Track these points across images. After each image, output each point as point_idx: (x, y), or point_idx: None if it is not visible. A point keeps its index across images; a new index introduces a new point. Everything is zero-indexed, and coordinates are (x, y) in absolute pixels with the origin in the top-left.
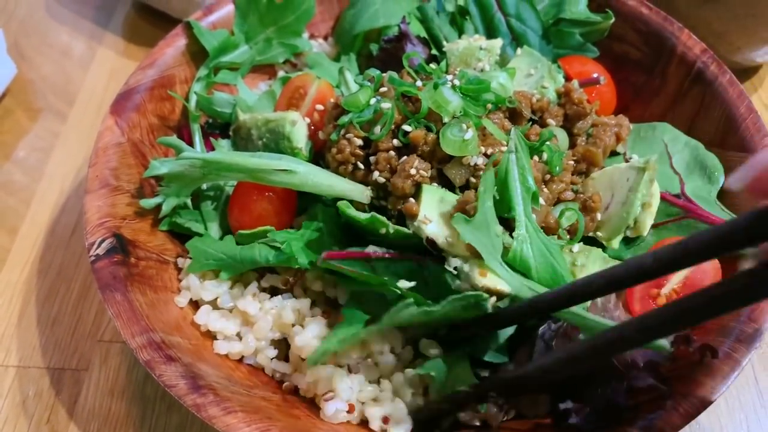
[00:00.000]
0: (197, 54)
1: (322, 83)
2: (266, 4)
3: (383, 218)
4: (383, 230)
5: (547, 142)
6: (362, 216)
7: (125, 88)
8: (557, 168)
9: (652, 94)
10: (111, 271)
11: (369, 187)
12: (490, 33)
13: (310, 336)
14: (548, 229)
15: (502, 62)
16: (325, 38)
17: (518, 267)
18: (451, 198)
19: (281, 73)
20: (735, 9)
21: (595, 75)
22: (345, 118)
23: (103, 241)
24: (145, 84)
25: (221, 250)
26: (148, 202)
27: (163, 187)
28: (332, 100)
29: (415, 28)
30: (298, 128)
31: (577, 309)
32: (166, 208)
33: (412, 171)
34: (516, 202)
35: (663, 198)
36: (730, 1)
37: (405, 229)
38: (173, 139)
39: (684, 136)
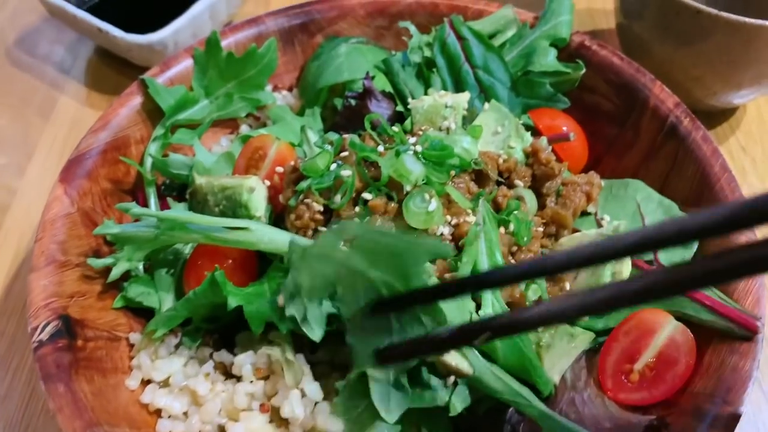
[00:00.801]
0: (154, 112)
1: (281, 144)
2: (226, 59)
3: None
4: None
5: (515, 212)
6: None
7: (75, 154)
8: (525, 239)
9: (625, 147)
10: (55, 359)
11: None
12: (458, 85)
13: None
14: (514, 304)
15: (470, 116)
16: (290, 89)
17: (484, 348)
18: None
19: (244, 128)
20: (709, 54)
21: (564, 129)
22: (303, 184)
23: (47, 324)
24: (97, 148)
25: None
26: (97, 262)
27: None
28: (291, 164)
29: (380, 83)
30: (256, 195)
31: (540, 405)
32: (115, 272)
33: None
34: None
35: (635, 264)
36: (704, 47)
37: None
38: (132, 204)
39: (657, 194)
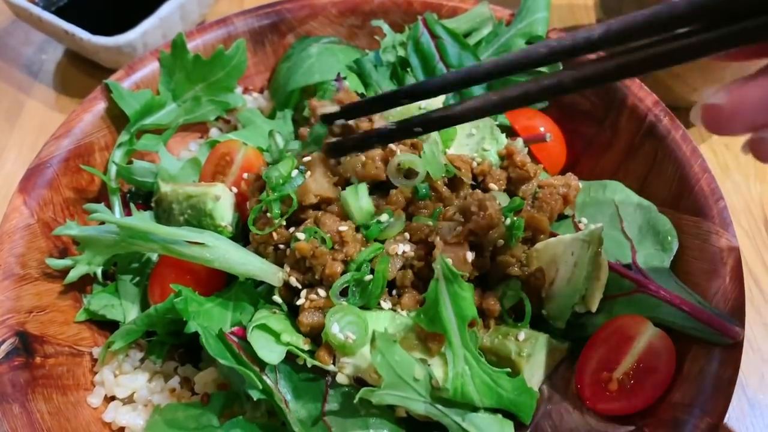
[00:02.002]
0: (119, 117)
1: (249, 150)
2: (193, 61)
3: (298, 350)
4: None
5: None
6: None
7: (36, 162)
8: (513, 240)
9: (604, 147)
10: (10, 378)
11: (283, 269)
12: None
13: None
14: (490, 312)
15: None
16: (261, 91)
17: (460, 401)
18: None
19: (213, 131)
20: None
21: (542, 129)
22: (265, 194)
23: (2, 342)
24: (58, 156)
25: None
26: (56, 263)
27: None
28: (255, 172)
29: (353, 84)
30: (221, 204)
31: None
32: (73, 274)
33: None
34: (451, 334)
35: (613, 269)
36: None
37: (325, 366)
38: (99, 206)
39: (636, 196)
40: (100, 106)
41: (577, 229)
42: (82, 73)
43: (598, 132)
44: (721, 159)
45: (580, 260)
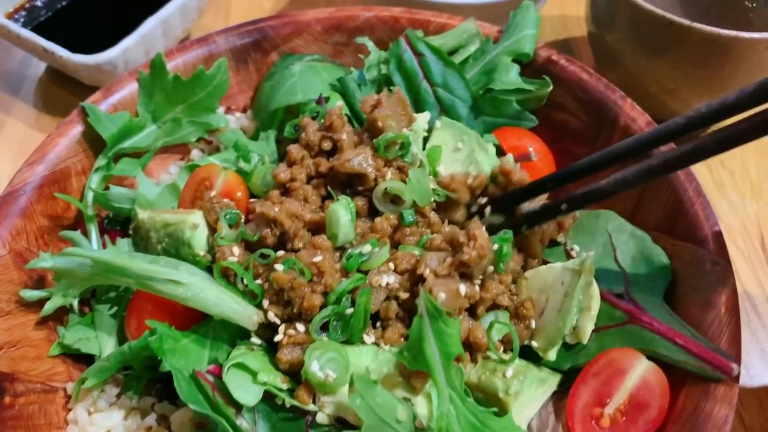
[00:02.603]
0: (96, 140)
1: (229, 175)
2: (173, 82)
3: (276, 390)
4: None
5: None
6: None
7: (8, 190)
8: (501, 265)
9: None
10: None
11: (259, 311)
12: (417, 104)
13: None
14: (477, 345)
15: (430, 132)
16: (244, 110)
17: None
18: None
19: (195, 153)
20: (684, 67)
21: (530, 149)
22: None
23: None
24: (32, 183)
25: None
26: (30, 294)
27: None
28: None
29: (335, 104)
30: (199, 232)
31: None
32: (48, 307)
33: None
34: (436, 372)
35: (605, 299)
36: (678, 59)
37: (306, 406)
38: (76, 233)
39: (629, 225)
40: (77, 129)
41: (569, 256)
42: (63, 90)
43: (589, 153)
44: (716, 176)
45: (571, 290)
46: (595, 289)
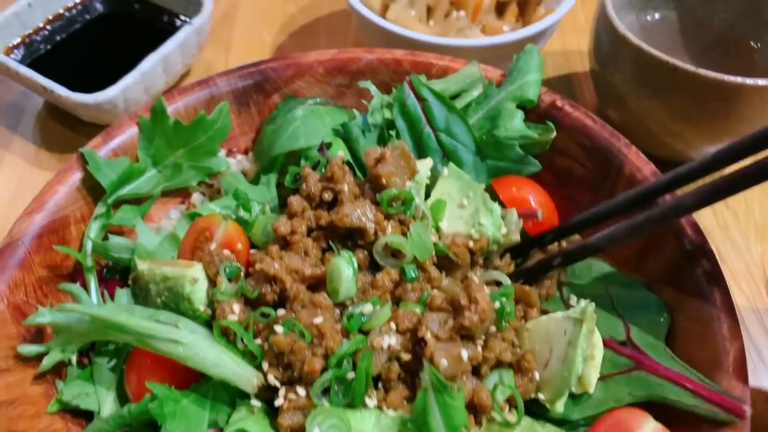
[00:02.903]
0: (96, 186)
1: (230, 225)
2: (173, 126)
3: None
4: None
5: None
6: None
7: (7, 241)
8: (503, 323)
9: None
10: None
11: (258, 373)
12: (420, 149)
13: None
14: (482, 408)
15: (433, 181)
16: (246, 152)
17: None
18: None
19: (196, 197)
20: (688, 111)
21: (531, 200)
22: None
23: None
24: (31, 232)
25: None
26: (28, 349)
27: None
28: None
29: (338, 151)
30: (199, 286)
31: None
32: (47, 362)
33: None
34: None
35: (608, 346)
36: (682, 103)
37: None
38: (75, 286)
39: (623, 276)
40: (76, 176)
41: (567, 306)
42: (62, 126)
43: (593, 200)
44: (720, 219)
45: (573, 339)
46: (598, 337)
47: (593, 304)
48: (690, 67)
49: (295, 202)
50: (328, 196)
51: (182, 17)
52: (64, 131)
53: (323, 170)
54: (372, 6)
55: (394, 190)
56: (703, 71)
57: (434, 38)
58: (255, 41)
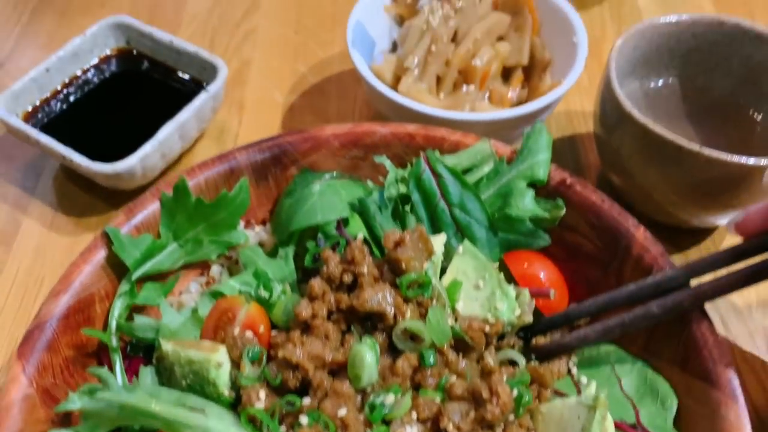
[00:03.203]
0: (119, 264)
1: (251, 307)
2: (195, 204)
3: None
4: None
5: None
6: None
7: (35, 324)
8: (521, 410)
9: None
10: None
11: None
12: (434, 223)
13: None
14: None
15: (447, 255)
16: (264, 222)
17: None
18: None
19: (215, 269)
20: (691, 186)
21: (542, 277)
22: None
23: None
24: (58, 314)
25: None
26: None
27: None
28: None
29: (355, 227)
30: (224, 370)
31: None
32: None
33: None
34: None
35: (620, 428)
36: (686, 178)
37: None
38: (103, 371)
39: (630, 357)
40: (100, 255)
41: (576, 386)
42: (79, 189)
43: (602, 277)
44: None
45: (587, 424)
46: (610, 422)
47: (605, 390)
48: (695, 147)
49: (316, 285)
50: (348, 278)
51: (195, 77)
52: (80, 194)
53: (342, 251)
54: (383, 77)
55: (413, 275)
56: (707, 151)
57: (445, 112)
58: (267, 101)
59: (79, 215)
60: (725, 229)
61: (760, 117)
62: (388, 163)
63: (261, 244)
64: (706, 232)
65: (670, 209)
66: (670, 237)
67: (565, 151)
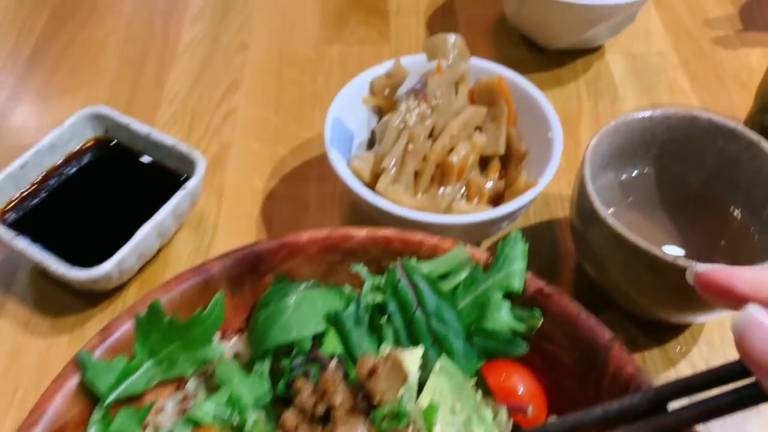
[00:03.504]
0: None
1: None
2: (168, 324)
3: None
4: None
5: None
6: None
7: None
8: None
9: (587, 408)
10: None
11: None
12: (411, 334)
13: None
14: None
15: (425, 367)
16: (239, 331)
17: None
18: None
19: (190, 384)
20: (664, 287)
21: (520, 390)
22: None
23: None
24: None
25: None
26: None
27: None
28: None
29: (330, 344)
30: None
31: None
32: None
33: None
34: None
35: None
36: (658, 279)
37: None
38: None
39: None
40: (73, 382)
41: None
42: (55, 288)
43: (580, 390)
44: None
45: None
46: None
47: None
48: (669, 257)
49: (289, 420)
50: (321, 409)
51: (173, 169)
52: (57, 293)
53: (315, 378)
54: (361, 175)
55: (386, 408)
56: (681, 260)
57: (422, 215)
58: (247, 187)
59: (56, 316)
60: (704, 324)
61: (734, 208)
62: (364, 272)
63: (237, 355)
64: (685, 325)
65: (647, 307)
66: (652, 331)
67: (543, 236)
